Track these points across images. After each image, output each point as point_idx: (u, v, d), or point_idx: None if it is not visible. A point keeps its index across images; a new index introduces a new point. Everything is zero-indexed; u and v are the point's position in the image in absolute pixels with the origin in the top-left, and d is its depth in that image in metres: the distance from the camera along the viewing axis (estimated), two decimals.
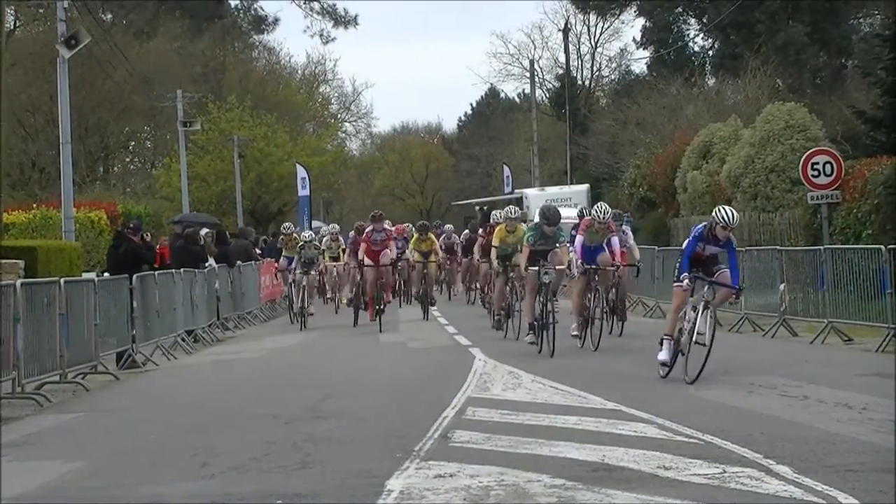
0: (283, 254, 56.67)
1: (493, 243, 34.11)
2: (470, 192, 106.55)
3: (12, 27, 71.76)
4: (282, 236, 53.41)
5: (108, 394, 34.58)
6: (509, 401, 29.78)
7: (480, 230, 56.05)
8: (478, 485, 20.12)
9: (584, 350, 39.36)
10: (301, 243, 42.07)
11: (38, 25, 76.36)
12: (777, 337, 44.56)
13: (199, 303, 53.09)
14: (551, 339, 37.69)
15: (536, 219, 49.12)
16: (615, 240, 40.66)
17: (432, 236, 56.11)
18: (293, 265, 56.03)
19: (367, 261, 46.10)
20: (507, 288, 41.74)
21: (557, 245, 37.05)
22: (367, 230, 42.34)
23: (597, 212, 37.21)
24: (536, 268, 36.74)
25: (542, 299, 37.26)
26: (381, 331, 42.11)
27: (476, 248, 53.68)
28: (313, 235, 49.31)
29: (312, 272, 41.86)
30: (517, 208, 42.52)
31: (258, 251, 67.03)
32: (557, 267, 38.30)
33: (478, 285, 62.21)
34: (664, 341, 31.96)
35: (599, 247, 38.84)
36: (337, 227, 56.38)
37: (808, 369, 30.71)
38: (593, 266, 39.14)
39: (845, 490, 18.90)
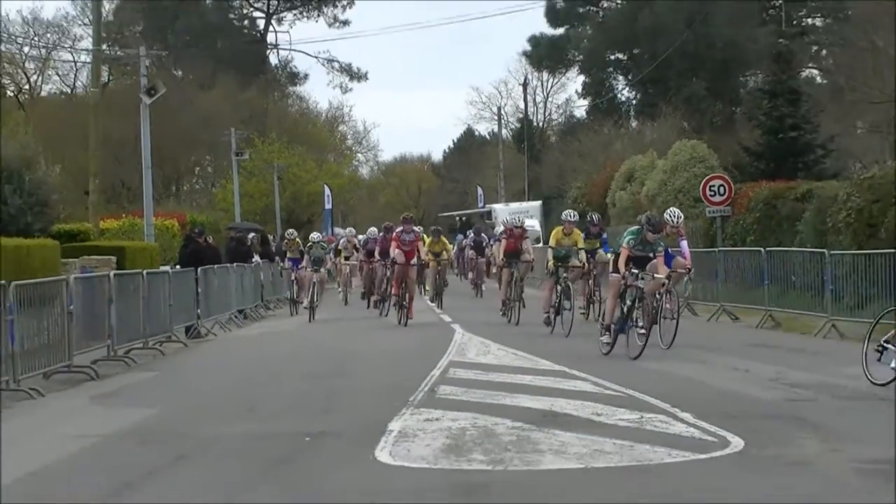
0: (288, 255, 53.45)
1: (549, 244, 31.22)
2: (452, 207, 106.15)
3: (107, 80, 71.73)
4: (285, 240, 52.41)
5: (178, 357, 34.68)
6: (481, 364, 29.98)
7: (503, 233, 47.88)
8: (457, 426, 20.39)
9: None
10: (309, 244, 40.43)
11: (126, 79, 76.28)
12: (683, 317, 44.52)
13: (247, 289, 53.26)
14: (640, 343, 31.25)
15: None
16: (685, 244, 36.98)
17: (444, 239, 54.37)
18: (302, 264, 56.06)
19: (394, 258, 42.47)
20: (558, 288, 36.98)
21: (655, 253, 31.68)
22: (397, 231, 39.18)
23: (669, 216, 33.70)
24: (621, 273, 31.17)
25: (625, 304, 31.31)
26: (399, 323, 39.10)
27: (497, 249, 47.37)
28: (319, 237, 47.87)
29: (322, 269, 39.20)
30: (574, 212, 38.69)
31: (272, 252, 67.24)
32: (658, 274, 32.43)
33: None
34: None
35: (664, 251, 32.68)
36: (353, 230, 54.19)
37: (706, 341, 30.80)
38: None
39: (732, 431, 19.21)
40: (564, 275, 37.35)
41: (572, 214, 36.48)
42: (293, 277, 48.28)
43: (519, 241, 39.39)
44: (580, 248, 37.75)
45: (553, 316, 37.42)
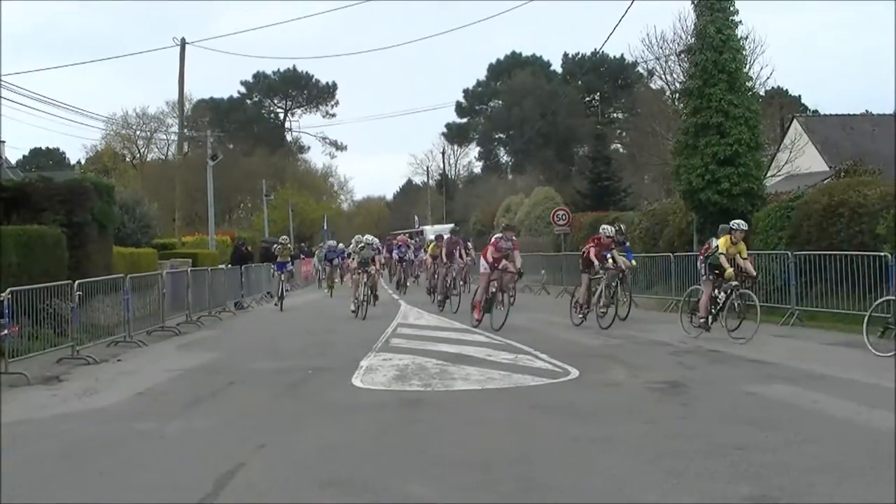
0: (278, 259, 50.69)
1: (720, 251, 25.91)
2: (398, 228, 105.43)
3: (186, 150, 71.66)
4: (277, 246, 51.58)
5: (230, 321, 34.43)
6: (418, 325, 29.81)
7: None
8: (402, 364, 20.29)
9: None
10: (361, 245, 36.46)
11: (199, 150, 76.05)
12: (540, 295, 44.39)
13: (275, 279, 52.94)
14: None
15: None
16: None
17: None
18: (317, 265, 56.77)
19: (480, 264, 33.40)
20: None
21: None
22: (496, 237, 31.48)
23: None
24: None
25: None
26: (493, 328, 31.50)
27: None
28: (371, 238, 38.52)
29: (371, 269, 35.94)
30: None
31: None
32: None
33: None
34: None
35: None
36: (374, 239, 41.47)
37: (560, 310, 30.65)
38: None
39: (572, 365, 19.20)
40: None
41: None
42: (281, 278, 46.48)
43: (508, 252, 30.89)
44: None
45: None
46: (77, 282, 23.44)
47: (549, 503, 9.67)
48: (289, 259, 50.15)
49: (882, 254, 24.55)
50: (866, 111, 72.06)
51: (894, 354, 18.79)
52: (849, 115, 67.53)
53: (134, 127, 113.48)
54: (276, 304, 42.09)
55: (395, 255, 56.54)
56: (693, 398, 15.91)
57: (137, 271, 31.41)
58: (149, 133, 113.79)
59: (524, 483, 10.44)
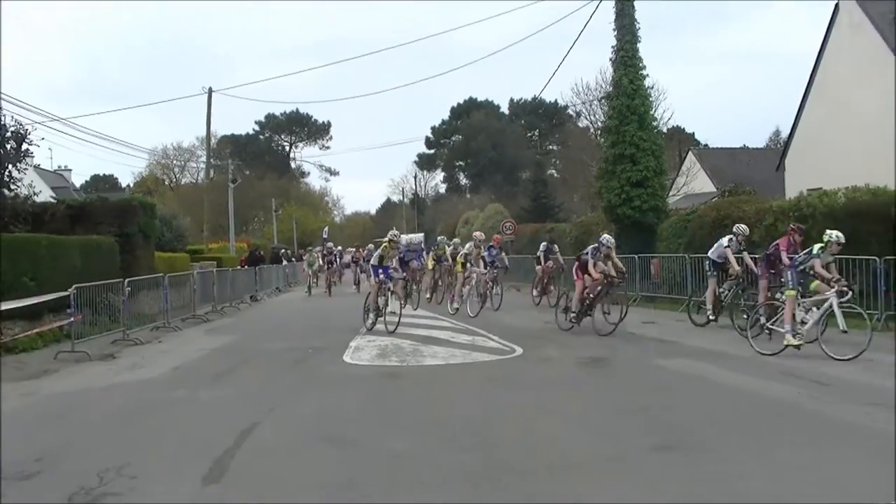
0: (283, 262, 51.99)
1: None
2: (380, 237, 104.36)
3: (212, 175, 71.59)
4: (282, 251, 50.72)
5: (246, 311, 34.18)
6: (396, 313, 29.75)
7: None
8: (383, 344, 20.18)
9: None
10: (405, 242, 33.03)
11: (222, 175, 75.81)
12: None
13: (280, 277, 52.64)
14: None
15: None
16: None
17: (446, 248, 37.96)
18: (308, 269, 55.02)
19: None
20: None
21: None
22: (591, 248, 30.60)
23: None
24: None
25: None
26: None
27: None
28: (421, 238, 37.35)
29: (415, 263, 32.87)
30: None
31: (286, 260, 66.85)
32: None
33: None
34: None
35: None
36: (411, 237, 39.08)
37: (508, 303, 30.45)
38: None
39: (517, 344, 19.11)
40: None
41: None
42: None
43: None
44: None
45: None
46: (127, 280, 23.47)
47: (497, 455, 9.71)
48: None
49: (757, 256, 24.77)
50: (744, 145, 72.87)
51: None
52: (731, 147, 68.10)
53: (171, 157, 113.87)
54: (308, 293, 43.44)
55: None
56: (612, 371, 16.01)
57: (174, 271, 31.27)
58: (183, 162, 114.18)
59: (479, 439, 10.49)
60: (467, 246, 29.68)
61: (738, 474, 8.65)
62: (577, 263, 23.22)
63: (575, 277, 23.07)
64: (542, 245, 32.08)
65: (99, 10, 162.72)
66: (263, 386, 15.07)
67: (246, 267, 45.05)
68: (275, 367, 17.34)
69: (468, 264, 29.23)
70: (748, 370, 15.06)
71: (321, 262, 48.33)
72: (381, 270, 24.35)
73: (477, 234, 30.78)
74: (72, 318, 20.53)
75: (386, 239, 25.47)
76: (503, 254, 30.97)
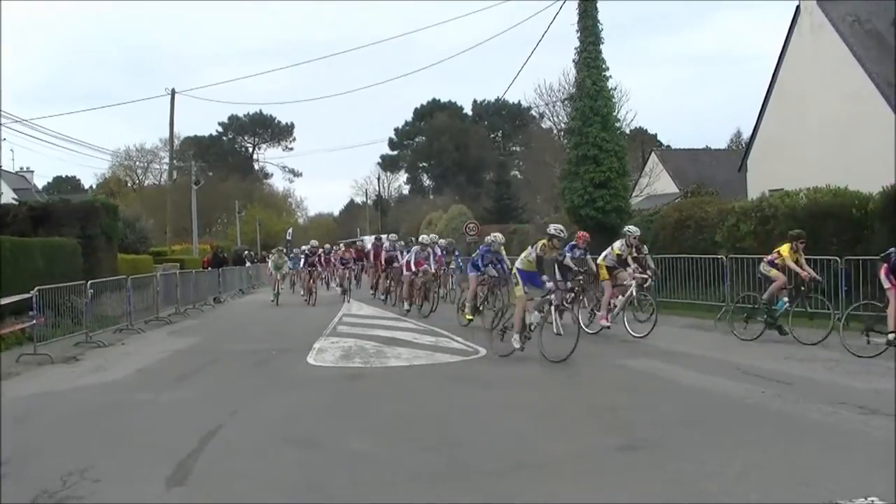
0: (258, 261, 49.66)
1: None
2: (343, 238, 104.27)
3: (175, 177, 71.36)
4: (245, 252, 49.72)
5: (210, 312, 34.10)
6: (359, 314, 29.58)
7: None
8: (346, 345, 20.17)
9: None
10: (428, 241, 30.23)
11: (185, 177, 75.62)
12: (454, 291, 44.09)
13: (243, 278, 52.44)
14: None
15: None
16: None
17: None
18: (274, 270, 53.02)
19: None
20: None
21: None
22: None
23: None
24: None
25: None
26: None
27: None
28: (436, 238, 32.48)
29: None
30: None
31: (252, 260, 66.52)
32: None
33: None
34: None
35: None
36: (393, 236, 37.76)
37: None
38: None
39: (480, 346, 19.08)
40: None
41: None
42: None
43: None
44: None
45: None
46: (90, 282, 23.37)
47: (462, 455, 9.71)
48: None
49: (719, 256, 24.98)
50: (707, 146, 73.08)
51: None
52: (694, 149, 68.29)
53: (134, 159, 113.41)
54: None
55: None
56: (577, 371, 15.98)
57: (137, 273, 31.13)
58: (146, 164, 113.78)
59: (444, 439, 10.49)
60: (617, 245, 21.55)
61: (703, 474, 8.66)
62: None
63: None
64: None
65: (61, 11, 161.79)
66: (227, 388, 15.06)
67: (209, 269, 44.95)
68: (238, 369, 17.33)
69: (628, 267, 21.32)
70: (712, 370, 15.10)
71: (302, 264, 41.43)
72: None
73: (631, 228, 22.34)
74: (34, 321, 20.33)
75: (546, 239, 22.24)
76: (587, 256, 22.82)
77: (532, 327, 17.32)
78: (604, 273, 21.11)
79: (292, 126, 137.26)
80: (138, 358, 19.57)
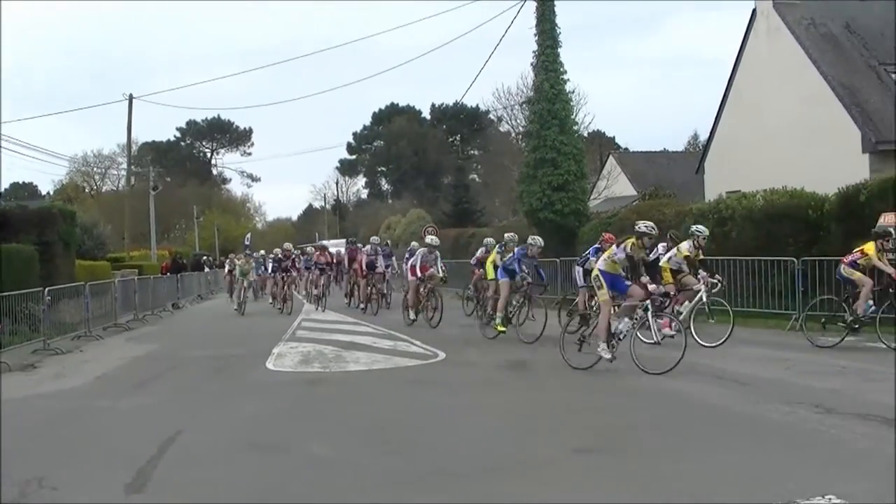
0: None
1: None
2: (303, 243, 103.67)
3: (133, 183, 71.00)
4: (203, 258, 49.43)
5: (168, 318, 33.96)
6: (318, 319, 29.48)
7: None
8: (305, 350, 20.17)
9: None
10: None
11: (143, 182, 75.13)
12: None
13: (202, 284, 52.33)
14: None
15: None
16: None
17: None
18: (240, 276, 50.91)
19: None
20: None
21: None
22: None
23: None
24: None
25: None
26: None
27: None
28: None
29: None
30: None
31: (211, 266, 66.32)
32: None
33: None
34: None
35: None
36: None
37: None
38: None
39: (441, 349, 19.15)
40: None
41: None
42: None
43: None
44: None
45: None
46: (47, 288, 23.20)
47: (425, 459, 9.71)
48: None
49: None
50: (664, 149, 73.75)
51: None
52: (651, 151, 68.82)
53: (91, 165, 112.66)
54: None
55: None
56: (536, 374, 16.09)
57: (95, 279, 30.89)
58: (103, 169, 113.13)
59: (404, 443, 10.49)
60: (684, 246, 20.01)
61: (665, 475, 8.68)
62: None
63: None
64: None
65: (16, 15, 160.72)
66: (186, 394, 14.99)
67: (168, 274, 44.78)
68: (198, 375, 17.27)
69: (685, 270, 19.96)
70: (674, 371, 15.12)
71: (264, 269, 40.18)
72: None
73: (699, 227, 20.47)
74: None
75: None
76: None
77: (622, 335, 15.53)
78: (667, 276, 19.05)
79: (250, 131, 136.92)
80: (97, 365, 19.46)
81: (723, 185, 35.04)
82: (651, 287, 15.24)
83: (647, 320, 15.37)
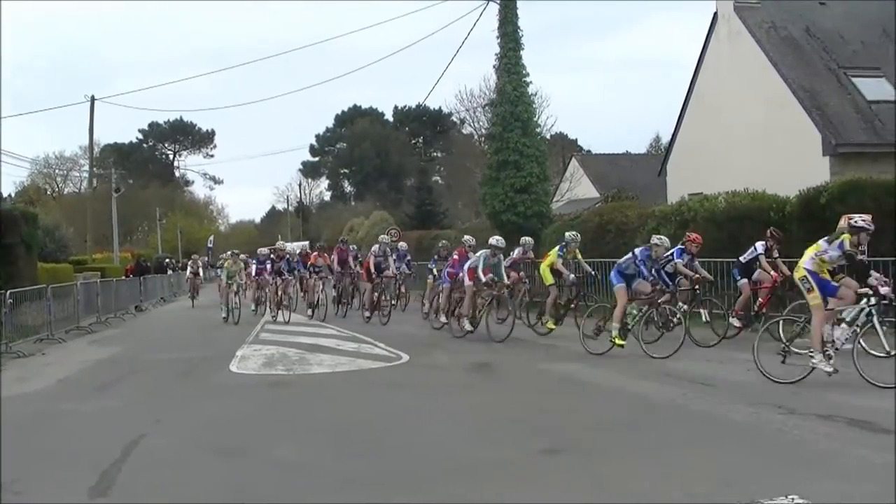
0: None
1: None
2: (266, 245, 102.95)
3: (95, 185, 70.51)
4: (166, 260, 49.00)
5: (131, 321, 33.80)
6: (281, 322, 29.42)
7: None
8: (269, 353, 20.11)
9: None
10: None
11: (105, 184, 74.72)
12: None
13: (165, 287, 52.14)
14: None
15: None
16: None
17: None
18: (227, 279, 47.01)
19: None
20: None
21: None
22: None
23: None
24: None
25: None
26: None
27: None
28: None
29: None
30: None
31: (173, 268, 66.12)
32: None
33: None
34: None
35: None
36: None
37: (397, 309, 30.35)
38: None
39: (404, 351, 19.13)
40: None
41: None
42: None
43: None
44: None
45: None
46: (9, 291, 23.11)
47: (390, 461, 9.70)
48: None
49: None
50: (626, 151, 73.74)
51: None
52: (614, 153, 68.90)
53: (53, 166, 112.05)
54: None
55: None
56: (500, 375, 16.12)
57: (57, 282, 30.74)
58: (65, 171, 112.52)
59: (369, 444, 10.48)
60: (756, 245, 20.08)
61: (627, 475, 8.71)
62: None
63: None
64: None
65: None
66: (150, 397, 14.92)
67: (132, 277, 44.64)
68: (161, 378, 17.22)
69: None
70: (635, 373, 15.21)
71: (251, 273, 34.08)
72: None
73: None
74: None
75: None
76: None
77: (838, 344, 13.47)
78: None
79: (213, 133, 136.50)
80: (59, 368, 19.36)
81: (685, 187, 35.13)
82: (879, 286, 13.30)
83: (874, 325, 13.29)
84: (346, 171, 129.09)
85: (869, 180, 22.08)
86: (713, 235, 23.86)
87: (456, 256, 24.57)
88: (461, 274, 22.73)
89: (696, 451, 9.68)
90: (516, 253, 25.80)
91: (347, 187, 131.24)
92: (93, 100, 60.25)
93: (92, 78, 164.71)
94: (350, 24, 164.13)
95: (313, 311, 30.70)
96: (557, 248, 23.33)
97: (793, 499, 7.50)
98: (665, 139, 61.51)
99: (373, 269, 28.40)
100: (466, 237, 24.10)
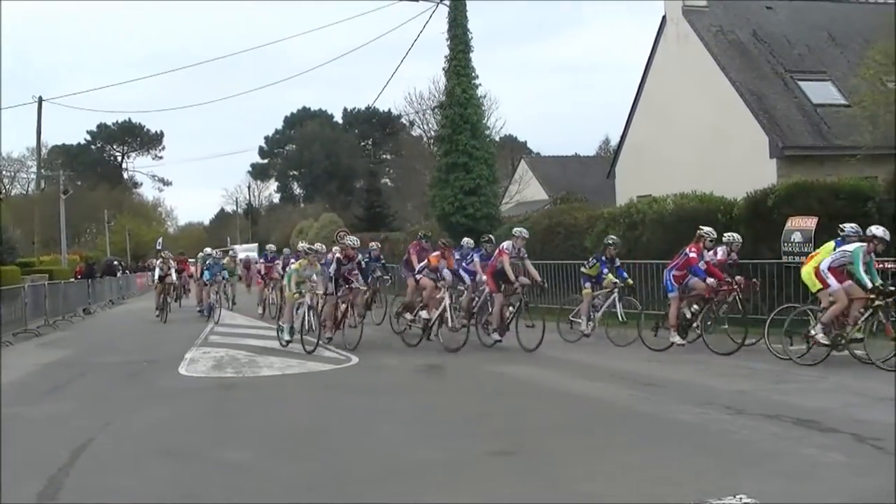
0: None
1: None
2: (215, 247, 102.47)
3: (44, 187, 69.97)
4: (114, 262, 48.29)
5: (80, 324, 33.55)
6: (230, 324, 29.24)
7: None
8: (218, 355, 19.98)
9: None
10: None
11: (53, 186, 74.33)
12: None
13: (114, 289, 51.66)
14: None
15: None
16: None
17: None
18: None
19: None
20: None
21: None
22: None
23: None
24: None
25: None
26: None
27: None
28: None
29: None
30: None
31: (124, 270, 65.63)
32: None
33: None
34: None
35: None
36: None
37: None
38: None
39: (354, 354, 19.17)
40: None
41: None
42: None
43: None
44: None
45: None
46: None
47: (338, 463, 9.68)
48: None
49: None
50: (576, 153, 74.07)
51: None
52: (563, 156, 69.16)
53: (0, 168, 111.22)
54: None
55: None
56: (449, 377, 16.14)
57: (3, 285, 30.46)
58: (12, 173, 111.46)
59: (317, 447, 10.44)
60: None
61: (577, 476, 8.73)
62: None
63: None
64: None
65: None
66: (99, 400, 14.80)
67: (80, 278, 44.28)
68: (110, 381, 17.02)
69: None
70: (583, 375, 15.26)
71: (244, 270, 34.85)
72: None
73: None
74: None
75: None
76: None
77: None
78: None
79: (162, 134, 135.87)
80: (7, 371, 19.11)
81: (634, 189, 35.34)
82: None
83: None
84: (295, 172, 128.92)
85: (815, 183, 22.33)
86: (661, 237, 24.03)
87: (412, 252, 24.64)
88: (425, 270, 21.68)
89: (646, 451, 9.70)
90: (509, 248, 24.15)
91: (297, 189, 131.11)
92: (40, 101, 59.65)
93: (39, 79, 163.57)
94: (300, 26, 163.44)
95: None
96: (593, 257, 21.80)
97: (741, 498, 7.55)
98: (614, 141, 61.73)
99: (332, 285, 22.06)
100: (612, 238, 21.50)
